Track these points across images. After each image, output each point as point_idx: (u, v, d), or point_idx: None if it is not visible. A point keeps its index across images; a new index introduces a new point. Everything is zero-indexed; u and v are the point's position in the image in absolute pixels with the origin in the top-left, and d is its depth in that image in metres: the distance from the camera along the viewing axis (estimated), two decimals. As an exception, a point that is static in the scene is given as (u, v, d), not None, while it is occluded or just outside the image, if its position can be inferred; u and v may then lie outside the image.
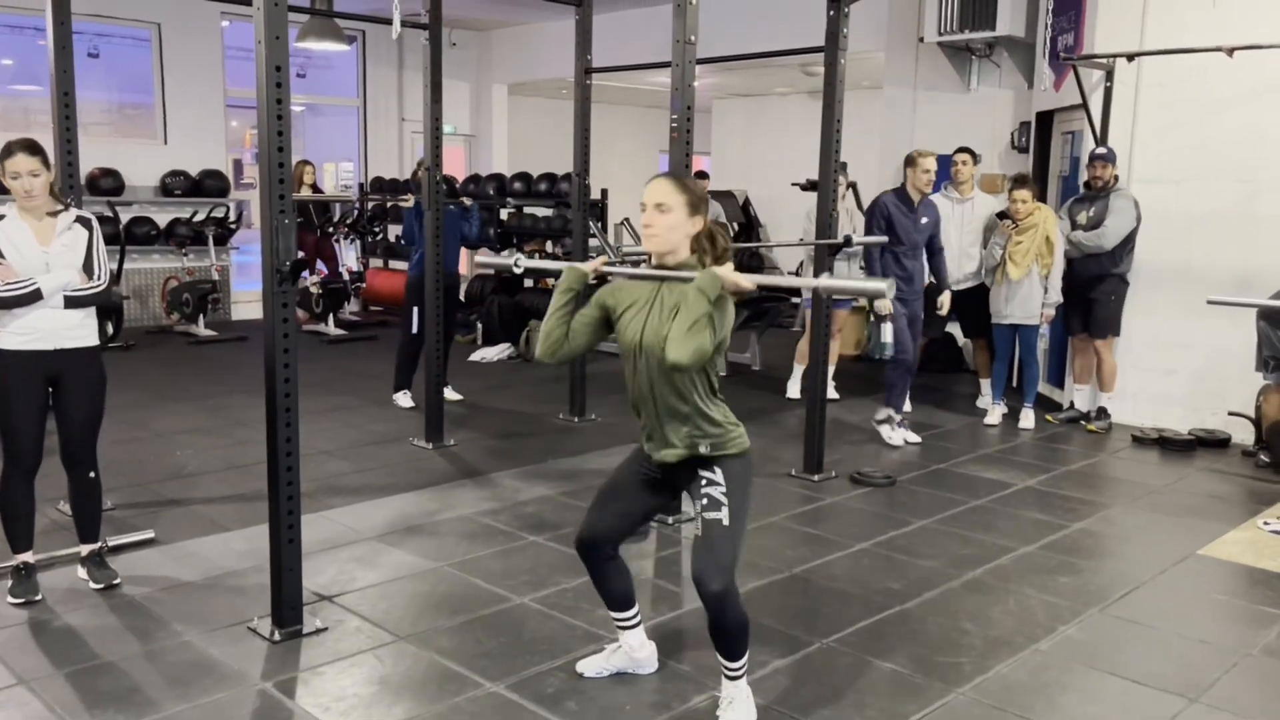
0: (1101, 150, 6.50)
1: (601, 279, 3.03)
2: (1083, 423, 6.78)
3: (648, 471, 3.02)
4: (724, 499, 2.83)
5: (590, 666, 3.27)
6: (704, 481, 2.87)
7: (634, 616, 3.22)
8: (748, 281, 2.79)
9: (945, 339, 8.35)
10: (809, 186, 7.43)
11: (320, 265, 10.82)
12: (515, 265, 3.38)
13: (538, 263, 3.42)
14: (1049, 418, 6.86)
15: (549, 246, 10.56)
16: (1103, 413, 6.70)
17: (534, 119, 14.22)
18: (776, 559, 4.31)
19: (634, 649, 3.24)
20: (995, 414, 6.91)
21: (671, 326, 2.71)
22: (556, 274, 3.10)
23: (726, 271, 2.76)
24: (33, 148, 3.64)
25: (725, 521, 2.82)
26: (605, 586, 3.15)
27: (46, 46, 4.59)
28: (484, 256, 3.60)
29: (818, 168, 5.47)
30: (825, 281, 2.85)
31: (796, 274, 8.27)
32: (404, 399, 7.03)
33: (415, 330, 6.78)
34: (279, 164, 3.27)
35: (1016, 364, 7.30)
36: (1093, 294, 6.54)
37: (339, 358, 9.03)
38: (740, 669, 2.96)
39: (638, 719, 3.03)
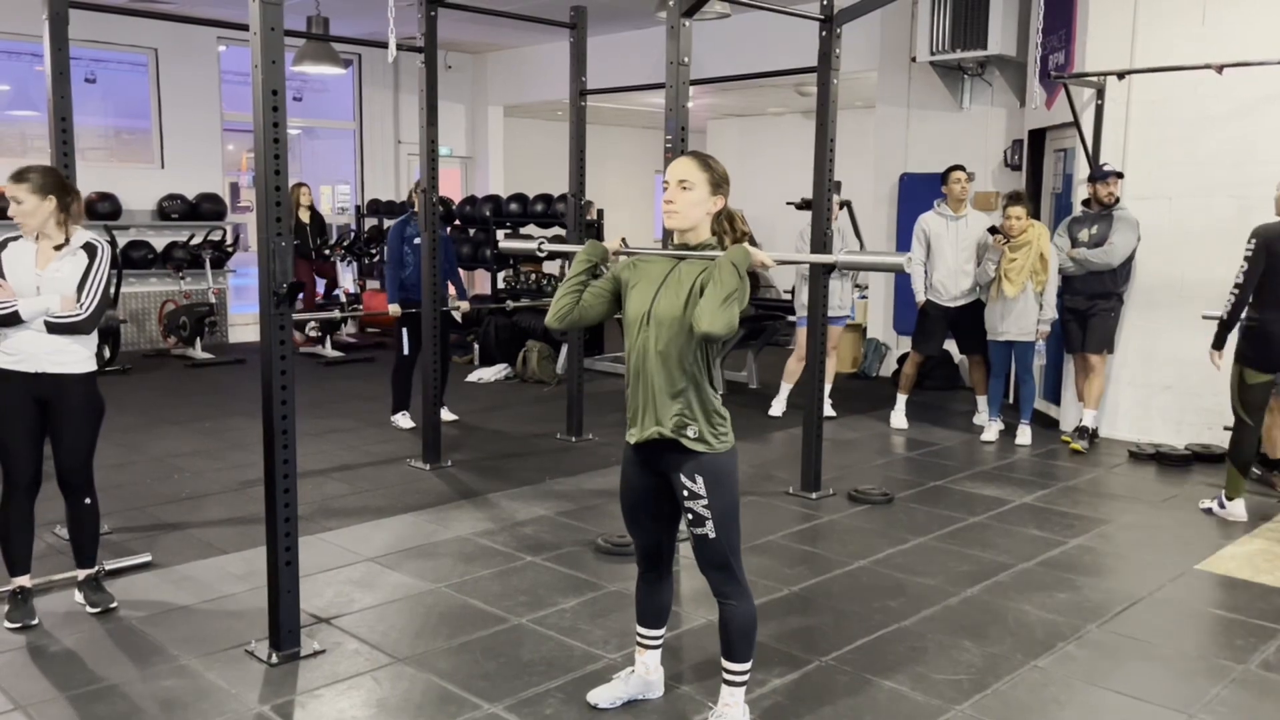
0: (1112, 166, 6.55)
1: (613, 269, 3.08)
2: (1063, 440, 6.77)
3: (641, 467, 2.99)
4: (706, 512, 2.86)
5: (604, 697, 3.20)
6: (686, 494, 2.87)
7: (662, 636, 3.22)
8: (769, 258, 2.87)
9: (942, 356, 8.37)
10: (803, 205, 7.47)
11: (320, 287, 10.84)
12: (539, 249, 3.43)
13: (562, 246, 3.45)
14: (1064, 437, 6.81)
15: (545, 267, 10.58)
16: (1085, 431, 6.68)
17: (529, 140, 14.29)
18: (774, 577, 4.31)
19: (650, 670, 3.22)
20: (992, 430, 6.91)
21: (703, 300, 2.73)
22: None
23: (752, 248, 2.83)
24: (19, 176, 3.65)
25: (711, 535, 2.87)
26: (652, 599, 3.14)
27: (44, 72, 4.62)
28: (508, 243, 3.63)
29: (812, 187, 5.49)
30: (844, 257, 2.89)
31: (791, 294, 8.26)
32: (404, 420, 7.04)
33: (405, 352, 6.87)
34: (275, 187, 3.29)
35: (1013, 380, 7.32)
36: (1093, 310, 6.56)
37: (336, 379, 9.03)
38: (741, 674, 2.96)
39: (637, 739, 3.03)
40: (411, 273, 6.77)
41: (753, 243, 2.92)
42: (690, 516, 2.88)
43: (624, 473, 3.07)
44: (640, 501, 3.04)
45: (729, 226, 2.93)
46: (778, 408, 7.56)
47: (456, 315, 7.45)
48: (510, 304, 9.46)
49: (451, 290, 7.23)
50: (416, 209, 6.69)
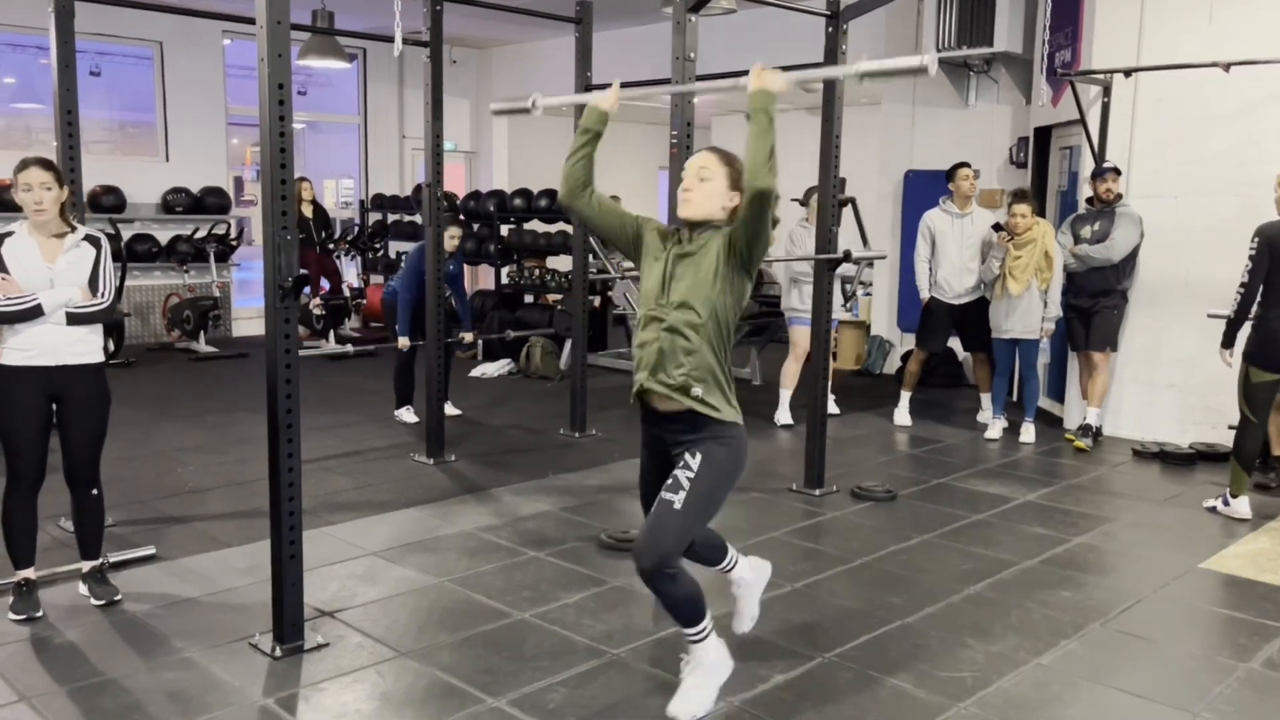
0: (1112, 164, 6.54)
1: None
2: (1067, 438, 6.76)
3: (651, 451, 3.04)
4: (686, 484, 2.84)
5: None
6: (680, 463, 2.89)
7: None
8: (784, 83, 2.76)
9: (946, 354, 8.36)
10: (806, 202, 7.45)
11: (323, 282, 10.84)
12: (533, 106, 3.38)
13: (555, 99, 3.39)
14: (1068, 435, 6.79)
15: (549, 262, 10.58)
16: (1088, 429, 6.67)
17: (534, 136, 14.25)
18: (778, 574, 4.28)
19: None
20: (996, 428, 6.91)
21: (748, 157, 2.71)
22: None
23: (770, 79, 2.74)
24: (46, 164, 3.69)
25: (676, 506, 2.83)
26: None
27: (49, 65, 4.62)
28: (499, 103, 3.55)
29: (817, 184, 5.49)
30: (865, 65, 2.73)
31: (778, 299, 8.07)
32: (407, 414, 7.04)
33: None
34: (281, 180, 3.28)
35: (1017, 378, 7.31)
36: (1095, 308, 6.55)
37: (339, 374, 9.03)
38: (698, 633, 2.97)
39: (640, 734, 3.03)
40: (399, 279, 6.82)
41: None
42: (670, 480, 2.87)
43: (642, 456, 3.11)
44: (656, 484, 3.01)
45: None
46: (784, 416, 7.21)
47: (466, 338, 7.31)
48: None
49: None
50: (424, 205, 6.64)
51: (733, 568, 3.34)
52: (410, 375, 6.99)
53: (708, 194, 2.85)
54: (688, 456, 2.89)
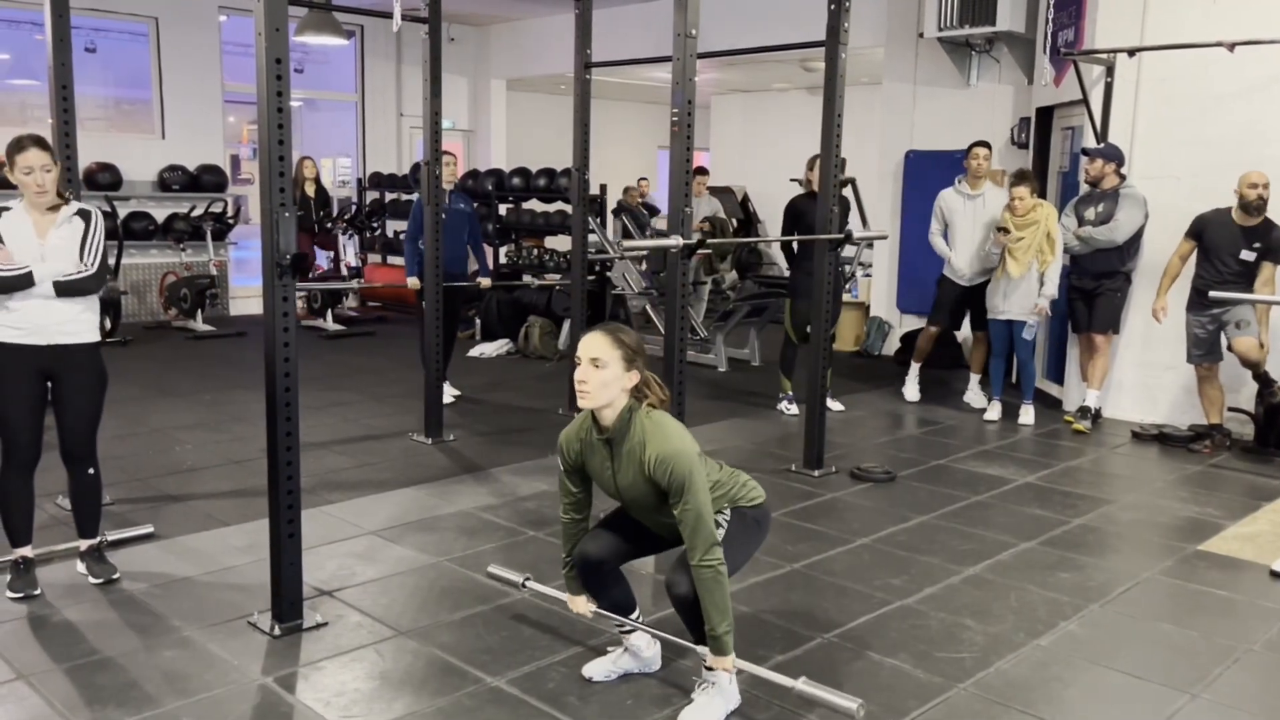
0: (1099, 146, 6.51)
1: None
2: (1066, 420, 6.75)
3: None
4: (723, 523, 2.94)
5: (597, 670, 3.22)
6: None
7: (636, 619, 3.22)
8: (733, 666, 2.91)
9: (948, 335, 8.33)
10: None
11: (320, 262, 10.81)
12: (523, 585, 3.51)
13: (544, 588, 3.49)
14: (1066, 418, 6.77)
15: (548, 242, 10.55)
16: (1087, 411, 6.65)
17: (533, 114, 14.21)
18: (777, 554, 4.30)
19: (641, 649, 3.24)
20: (994, 410, 6.90)
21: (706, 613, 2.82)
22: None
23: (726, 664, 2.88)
24: (43, 143, 3.66)
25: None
26: (603, 597, 3.16)
27: (44, 40, 4.57)
28: (496, 568, 3.69)
29: (819, 163, 5.45)
30: (803, 686, 2.80)
31: (776, 279, 8.01)
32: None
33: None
34: (279, 157, 3.25)
35: (1015, 360, 7.29)
36: (1099, 290, 6.53)
37: (337, 353, 9.02)
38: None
39: (640, 713, 3.03)
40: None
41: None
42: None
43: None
44: (631, 532, 3.11)
45: (649, 392, 2.91)
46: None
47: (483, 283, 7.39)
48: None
49: (473, 265, 7.19)
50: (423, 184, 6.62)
51: (634, 630, 3.23)
52: (447, 350, 6.79)
53: (603, 382, 2.81)
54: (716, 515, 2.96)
